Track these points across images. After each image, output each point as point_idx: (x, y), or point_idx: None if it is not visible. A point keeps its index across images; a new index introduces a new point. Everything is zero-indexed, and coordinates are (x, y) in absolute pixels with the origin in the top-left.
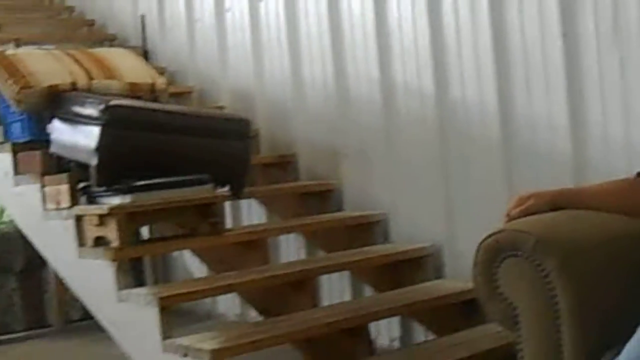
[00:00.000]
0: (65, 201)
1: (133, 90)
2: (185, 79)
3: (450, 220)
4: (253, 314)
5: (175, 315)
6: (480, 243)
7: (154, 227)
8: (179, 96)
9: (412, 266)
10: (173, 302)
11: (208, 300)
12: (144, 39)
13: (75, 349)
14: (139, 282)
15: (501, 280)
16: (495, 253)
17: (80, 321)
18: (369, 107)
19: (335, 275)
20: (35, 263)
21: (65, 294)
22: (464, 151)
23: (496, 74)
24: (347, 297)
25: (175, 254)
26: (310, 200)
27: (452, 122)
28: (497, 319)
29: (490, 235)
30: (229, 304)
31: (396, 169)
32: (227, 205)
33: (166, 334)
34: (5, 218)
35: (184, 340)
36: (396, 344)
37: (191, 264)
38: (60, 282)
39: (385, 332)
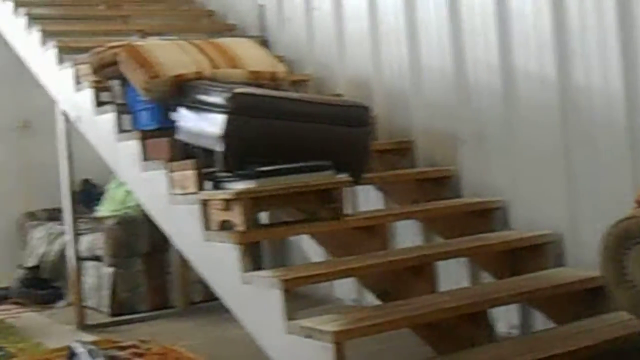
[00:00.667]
0: (192, 186)
1: (255, 79)
2: (303, 68)
3: (572, 207)
4: (369, 299)
5: (293, 298)
6: (609, 229)
7: (272, 212)
8: (297, 84)
9: (532, 253)
10: (295, 284)
11: (325, 284)
12: (263, 28)
13: (197, 329)
14: (258, 266)
15: (630, 267)
16: (624, 240)
17: (202, 303)
18: (488, 93)
19: (452, 262)
20: (159, 246)
21: (188, 276)
22: (587, 137)
23: (622, 57)
24: (465, 283)
25: (293, 238)
26: (428, 187)
27: (575, 107)
28: (626, 306)
29: (619, 222)
30: (345, 289)
31: (516, 155)
32: (345, 191)
33: (289, 316)
34: (130, 203)
35: (307, 322)
36: (515, 331)
37: (308, 248)
38: (183, 265)
39: (504, 320)
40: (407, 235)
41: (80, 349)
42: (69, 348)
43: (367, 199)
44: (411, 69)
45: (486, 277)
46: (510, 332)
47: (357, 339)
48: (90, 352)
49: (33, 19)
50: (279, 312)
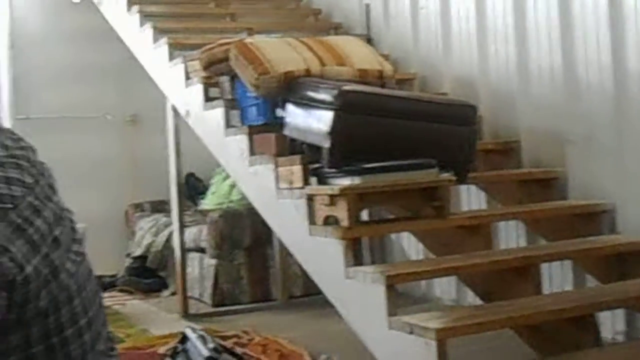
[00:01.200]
0: (298, 181)
1: (362, 77)
2: (408, 66)
3: None
4: (469, 299)
5: (394, 296)
6: None
7: (371, 209)
8: (401, 83)
9: None
10: (399, 280)
11: (424, 283)
12: (368, 27)
13: (297, 322)
14: (359, 262)
15: None
16: None
17: (302, 297)
18: (598, 94)
19: (556, 264)
20: (261, 240)
21: (289, 270)
22: None
23: None
24: (569, 286)
25: (393, 236)
26: (533, 188)
27: None
28: None
29: None
30: (445, 288)
31: (627, 158)
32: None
33: (392, 312)
34: (233, 197)
35: (410, 319)
36: (620, 337)
37: (408, 246)
38: (284, 259)
39: (609, 325)
40: (510, 236)
41: (192, 335)
42: (182, 333)
43: (469, 199)
44: (519, 68)
45: (591, 281)
46: (615, 338)
47: (457, 339)
48: (201, 337)
49: (145, 17)
50: (382, 308)
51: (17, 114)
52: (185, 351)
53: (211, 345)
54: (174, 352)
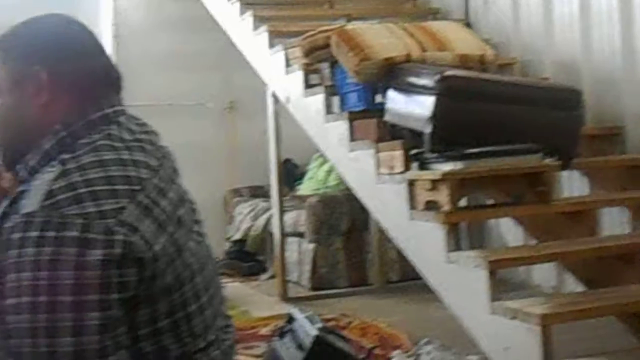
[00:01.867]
0: (399, 166)
1: (463, 62)
2: (507, 51)
3: None
4: (569, 287)
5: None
6: None
7: (471, 194)
8: (502, 68)
9: None
10: (501, 266)
11: (522, 269)
12: (467, 11)
13: (395, 307)
14: (459, 247)
15: None
16: None
17: (399, 282)
18: None
19: None
20: (359, 225)
21: (386, 255)
22: None
23: None
24: None
25: (491, 221)
26: (639, 174)
27: None
28: None
29: None
30: (544, 275)
31: None
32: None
33: (494, 297)
34: (330, 182)
35: (513, 304)
36: None
37: (507, 231)
38: (381, 244)
39: None
40: (614, 223)
41: (299, 315)
42: (288, 314)
43: (571, 184)
44: (624, 51)
45: None
46: None
47: (558, 325)
48: (308, 318)
49: (246, 5)
50: (484, 293)
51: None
52: (292, 331)
53: (319, 325)
54: (281, 332)
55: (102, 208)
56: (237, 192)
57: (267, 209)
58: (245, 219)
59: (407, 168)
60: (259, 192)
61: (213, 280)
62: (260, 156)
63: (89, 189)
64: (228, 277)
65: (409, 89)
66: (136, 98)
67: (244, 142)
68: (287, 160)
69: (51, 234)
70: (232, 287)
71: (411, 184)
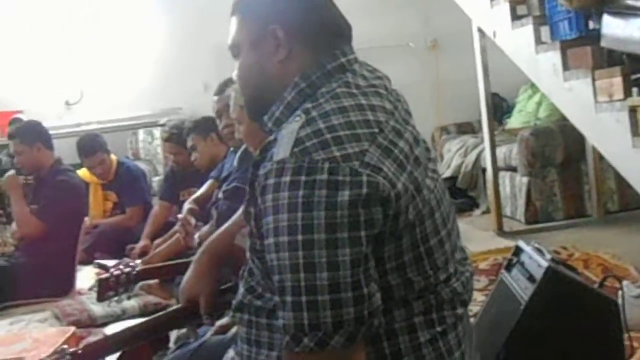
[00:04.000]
0: (619, 93)
1: None
2: None
3: None
4: None
5: None
6: None
7: None
8: None
9: None
10: None
11: None
12: None
13: (616, 238)
14: None
15: None
16: None
17: (619, 213)
18: None
19: None
20: (574, 156)
21: (604, 186)
22: None
23: None
24: None
25: None
26: None
27: None
28: None
29: None
30: None
31: None
32: None
33: None
34: (541, 114)
35: None
36: None
37: None
38: (599, 175)
39: None
40: None
41: (527, 247)
42: (516, 247)
43: None
44: None
45: None
46: None
47: None
48: (537, 249)
49: None
50: None
51: None
52: (520, 263)
53: (549, 257)
54: (509, 264)
55: (347, 152)
56: (444, 129)
57: (477, 145)
58: (455, 157)
59: (628, 95)
60: (467, 128)
61: (450, 215)
62: (467, 92)
63: (333, 134)
64: None
65: (629, 13)
66: None
67: (450, 80)
68: (495, 95)
69: (303, 178)
70: None
71: (633, 110)
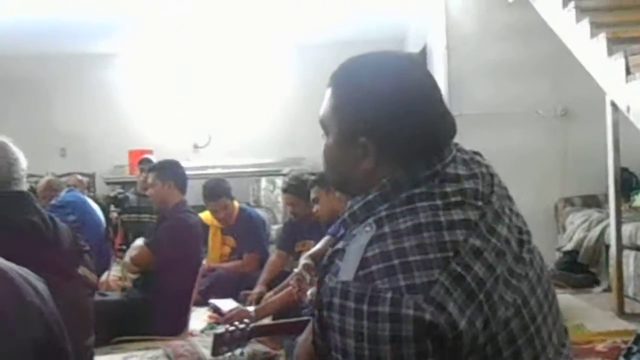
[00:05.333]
0: None
1: None
2: None
3: None
4: None
5: None
6: None
7: None
8: None
9: None
10: None
11: None
12: None
13: None
14: None
15: None
16: None
17: None
18: None
19: None
20: None
21: None
22: None
23: None
24: None
25: None
26: None
27: None
28: None
29: None
30: None
31: None
32: None
33: None
34: None
35: None
36: None
37: None
38: None
39: None
40: None
41: None
42: (637, 334)
43: None
44: None
45: None
46: None
47: None
48: None
49: (582, 12)
50: None
51: (452, 111)
52: None
53: None
54: (628, 352)
55: (413, 281)
56: (568, 201)
57: (601, 220)
58: (577, 230)
59: None
60: (592, 201)
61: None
62: (595, 165)
63: (402, 259)
64: (558, 288)
65: None
66: (467, 107)
67: (578, 150)
68: (623, 169)
69: (365, 307)
70: (563, 299)
71: None
